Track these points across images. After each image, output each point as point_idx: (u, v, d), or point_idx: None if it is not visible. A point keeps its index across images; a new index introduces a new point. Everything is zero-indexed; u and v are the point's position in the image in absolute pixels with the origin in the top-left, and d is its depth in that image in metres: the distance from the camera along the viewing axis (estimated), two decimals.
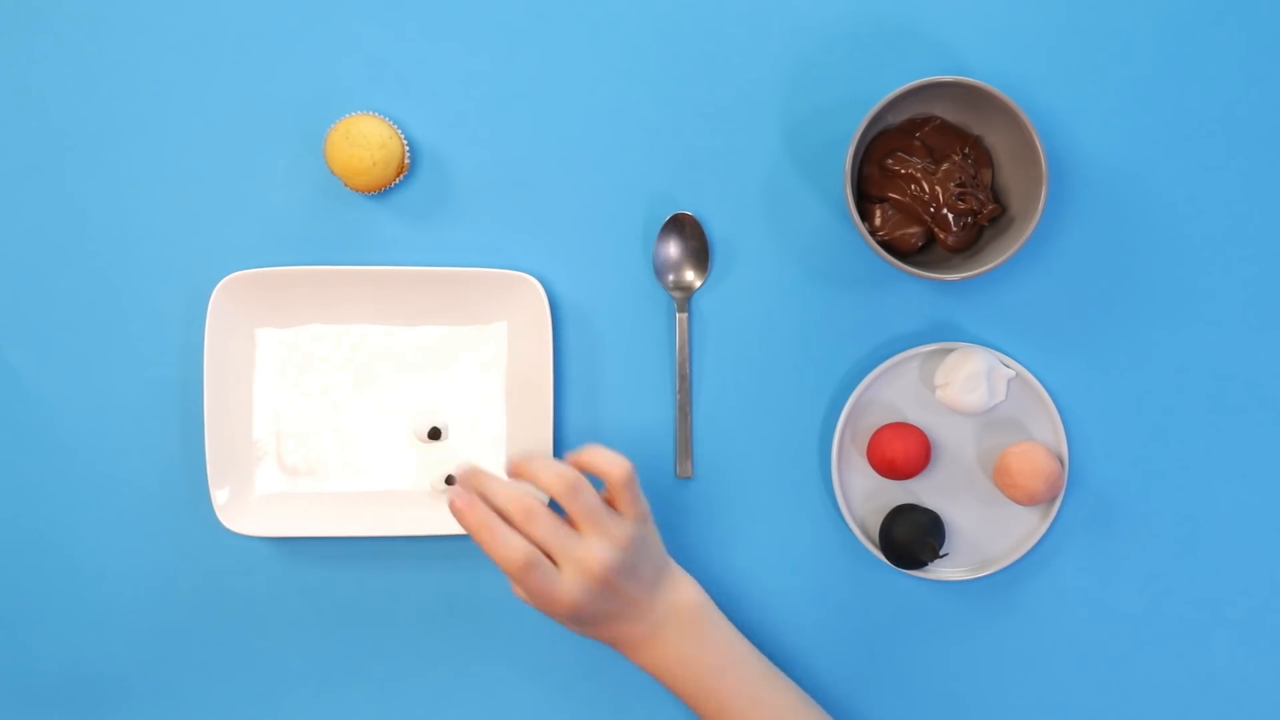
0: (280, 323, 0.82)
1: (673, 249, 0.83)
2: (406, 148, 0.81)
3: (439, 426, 0.82)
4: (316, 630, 0.83)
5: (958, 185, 0.79)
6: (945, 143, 0.81)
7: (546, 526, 0.71)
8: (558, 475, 0.72)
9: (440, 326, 0.83)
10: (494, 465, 0.83)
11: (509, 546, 0.70)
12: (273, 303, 0.81)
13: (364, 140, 0.78)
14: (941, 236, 0.80)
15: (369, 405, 0.83)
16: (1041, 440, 0.82)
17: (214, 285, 0.80)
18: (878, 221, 0.80)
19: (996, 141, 0.81)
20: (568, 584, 0.71)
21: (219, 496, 0.80)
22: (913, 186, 0.80)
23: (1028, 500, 0.78)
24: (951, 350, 0.81)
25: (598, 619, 0.73)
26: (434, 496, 0.82)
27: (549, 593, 0.71)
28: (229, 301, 0.80)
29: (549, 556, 0.72)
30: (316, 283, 0.81)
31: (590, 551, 0.71)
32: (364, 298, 0.81)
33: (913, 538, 0.78)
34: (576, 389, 0.83)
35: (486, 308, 0.82)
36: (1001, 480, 0.79)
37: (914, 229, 0.80)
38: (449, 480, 0.82)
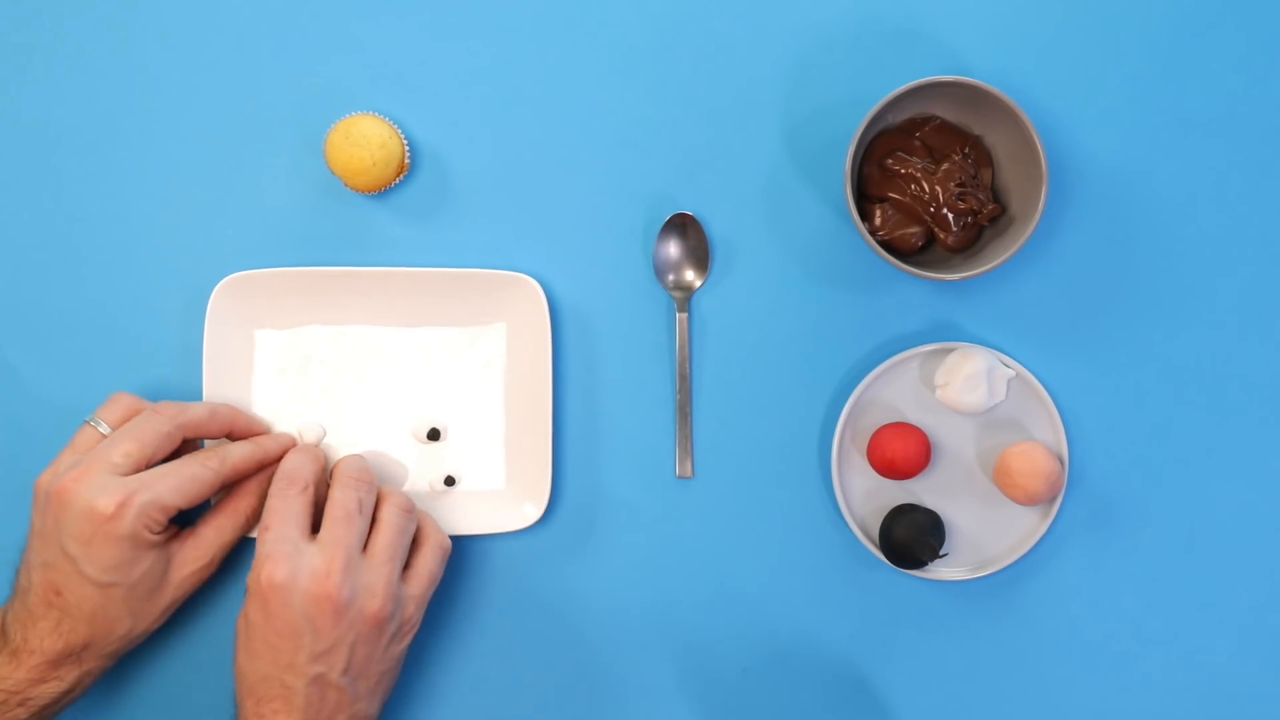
0: (279, 323, 0.82)
1: (673, 249, 0.83)
2: (406, 148, 0.81)
3: (438, 427, 0.82)
4: None
5: (958, 185, 0.79)
6: (945, 143, 0.81)
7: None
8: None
9: (439, 328, 0.82)
10: (493, 465, 0.82)
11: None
12: (272, 303, 0.81)
13: (364, 140, 0.78)
14: (941, 236, 0.80)
15: (367, 406, 0.83)
16: (1041, 440, 0.82)
17: (213, 285, 0.80)
18: (878, 221, 0.80)
19: (996, 141, 0.81)
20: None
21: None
22: (913, 186, 0.80)
23: (1028, 500, 0.78)
24: (951, 350, 0.81)
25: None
26: (432, 497, 0.82)
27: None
28: (228, 302, 0.80)
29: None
30: (316, 284, 0.80)
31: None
32: (363, 298, 0.81)
33: (913, 538, 0.78)
34: (576, 389, 0.83)
35: (486, 308, 0.82)
36: (1001, 480, 0.79)
37: (914, 229, 0.80)
38: (448, 481, 0.82)
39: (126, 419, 0.75)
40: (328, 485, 0.77)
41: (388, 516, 0.75)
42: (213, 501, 0.78)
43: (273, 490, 0.74)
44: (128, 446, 0.73)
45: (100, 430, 0.75)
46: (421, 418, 0.83)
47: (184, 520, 0.76)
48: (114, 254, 0.83)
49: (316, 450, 0.78)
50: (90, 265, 0.83)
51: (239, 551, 0.80)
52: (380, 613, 0.71)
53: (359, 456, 0.78)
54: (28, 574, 0.73)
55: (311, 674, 0.70)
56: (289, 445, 0.80)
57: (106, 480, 0.71)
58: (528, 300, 0.81)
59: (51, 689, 0.72)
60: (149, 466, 0.74)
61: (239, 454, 0.77)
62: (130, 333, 0.83)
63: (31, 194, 0.83)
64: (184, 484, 0.73)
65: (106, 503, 0.70)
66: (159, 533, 0.72)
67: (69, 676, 0.73)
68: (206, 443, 0.80)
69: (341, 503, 0.74)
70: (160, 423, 0.74)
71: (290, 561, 0.70)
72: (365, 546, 0.73)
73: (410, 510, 0.76)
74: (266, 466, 0.79)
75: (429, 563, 0.76)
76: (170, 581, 0.74)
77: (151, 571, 0.73)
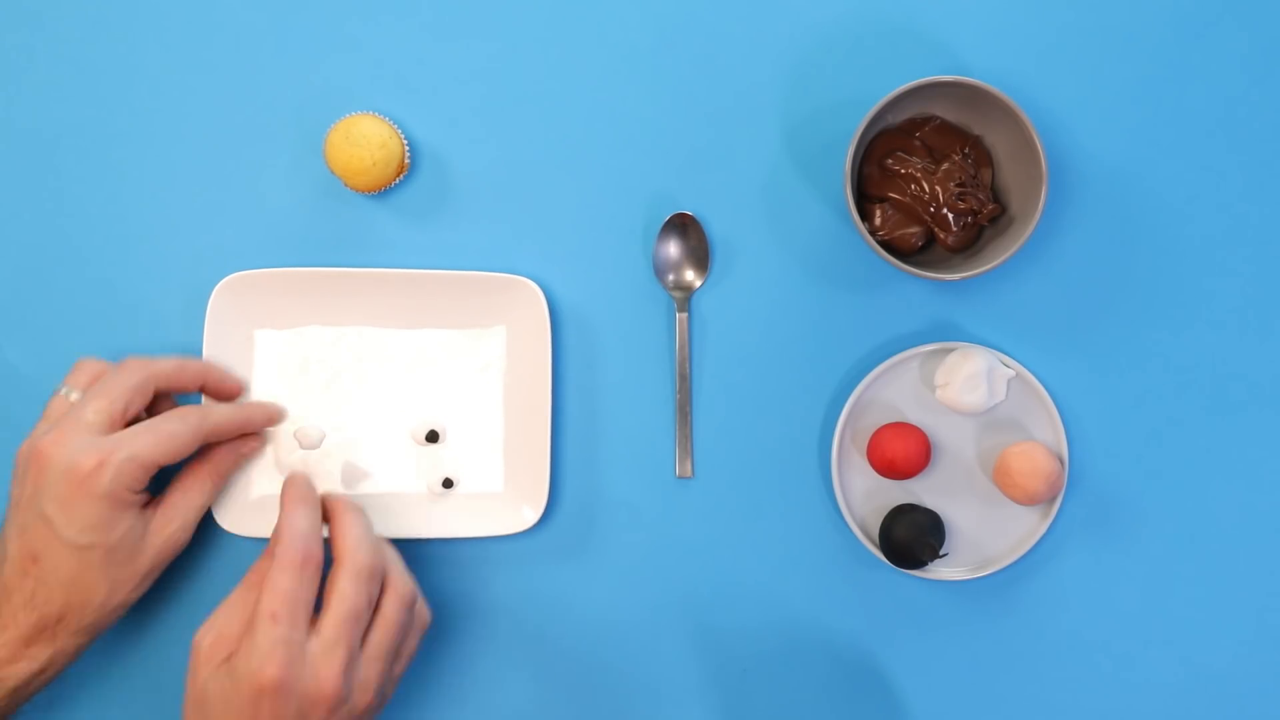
0: (279, 324, 0.82)
1: (673, 249, 0.83)
2: (406, 148, 0.81)
3: (437, 429, 0.82)
4: None
5: (958, 185, 0.79)
6: (945, 143, 0.81)
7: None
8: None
9: (439, 330, 0.82)
10: (492, 468, 0.82)
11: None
12: (272, 303, 0.81)
13: (364, 140, 0.78)
14: (941, 236, 0.80)
15: (366, 407, 0.82)
16: (1041, 440, 0.82)
17: (213, 285, 0.80)
18: (878, 221, 0.80)
19: (996, 141, 0.81)
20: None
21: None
22: (913, 186, 0.80)
23: (1028, 500, 0.78)
24: (951, 350, 0.81)
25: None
26: (431, 499, 0.82)
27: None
28: (228, 301, 0.80)
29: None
30: (316, 284, 0.80)
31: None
32: (363, 300, 0.81)
33: (913, 538, 0.78)
34: (576, 389, 0.83)
35: (486, 311, 0.82)
36: (1001, 480, 0.79)
37: (914, 229, 0.80)
38: (446, 483, 0.82)
39: (95, 381, 0.75)
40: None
41: (392, 613, 0.71)
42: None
43: (282, 563, 0.69)
44: (98, 403, 0.72)
45: (71, 397, 0.74)
46: (420, 419, 0.83)
47: (157, 489, 0.76)
48: (113, 254, 0.83)
49: (316, 502, 0.74)
50: (89, 265, 0.83)
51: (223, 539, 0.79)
52: (369, 707, 0.70)
53: (368, 532, 0.73)
54: (2, 547, 0.71)
55: None
56: (274, 414, 0.80)
57: (84, 439, 0.70)
58: (528, 304, 0.81)
59: (23, 669, 0.71)
60: (126, 422, 0.73)
61: (221, 413, 0.76)
62: (130, 332, 0.83)
63: (31, 194, 0.83)
64: (162, 440, 0.72)
65: (85, 460, 0.69)
66: (138, 491, 0.71)
67: (41, 655, 0.71)
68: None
69: (353, 599, 0.69)
70: (127, 375, 0.73)
71: (295, 663, 0.66)
72: (364, 639, 0.70)
73: (413, 605, 0.73)
74: (248, 430, 0.79)
75: (412, 645, 0.74)
76: (147, 547, 0.73)
77: (129, 534, 0.71)
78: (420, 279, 0.80)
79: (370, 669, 0.70)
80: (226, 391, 0.80)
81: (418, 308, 0.82)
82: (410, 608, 0.73)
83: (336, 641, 0.68)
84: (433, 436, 0.82)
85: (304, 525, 0.71)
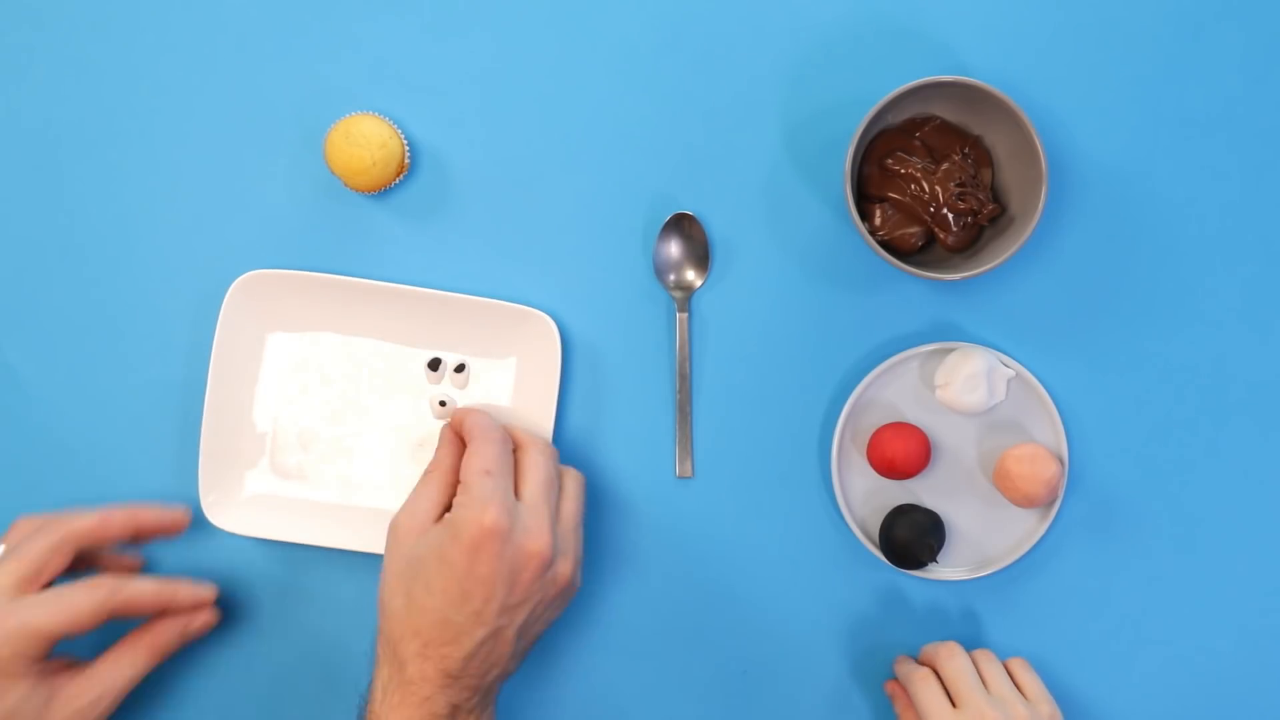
0: (291, 327, 0.82)
1: (673, 249, 0.83)
2: (406, 148, 0.81)
3: (440, 357, 0.82)
4: (312, 632, 0.83)
5: (958, 185, 0.79)
6: (945, 143, 0.81)
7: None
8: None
9: (450, 353, 0.82)
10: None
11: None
12: (285, 305, 0.81)
13: (364, 140, 0.78)
14: (941, 236, 0.80)
15: (370, 417, 0.82)
16: (1041, 441, 0.82)
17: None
18: (878, 221, 0.80)
19: (996, 141, 0.81)
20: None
21: (208, 494, 0.80)
22: (913, 186, 0.80)
23: (1027, 503, 0.78)
24: (951, 350, 0.81)
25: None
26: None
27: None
28: (244, 298, 0.80)
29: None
30: (332, 291, 0.80)
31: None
32: (378, 311, 0.81)
33: (913, 538, 0.78)
34: (577, 389, 0.83)
35: (498, 342, 0.81)
36: (1001, 483, 0.79)
37: (914, 229, 0.80)
38: (442, 404, 0.82)
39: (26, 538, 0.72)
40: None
41: (573, 489, 0.75)
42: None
43: (485, 437, 0.73)
44: (10, 565, 0.69)
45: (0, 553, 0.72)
46: (424, 431, 0.82)
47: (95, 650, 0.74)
48: (113, 254, 0.83)
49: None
50: (90, 266, 0.83)
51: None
52: (570, 579, 0.72)
53: (541, 437, 0.78)
54: None
55: (495, 625, 0.69)
56: (202, 597, 0.75)
57: None
58: (542, 337, 0.80)
59: None
60: (42, 584, 0.70)
61: (136, 588, 0.72)
62: (130, 333, 0.83)
63: (31, 194, 0.83)
64: (61, 611, 0.68)
65: None
66: (36, 660, 0.68)
67: None
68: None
69: (545, 468, 0.73)
70: (44, 537, 0.71)
71: (511, 513, 0.69)
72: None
73: (584, 487, 0.77)
74: (172, 610, 0.75)
75: (580, 533, 0.76)
76: (50, 716, 0.69)
77: (25, 704, 0.68)
78: (438, 300, 0.80)
79: (567, 540, 0.73)
80: (164, 529, 0.76)
81: (431, 327, 0.81)
82: (583, 487, 0.76)
83: (540, 502, 0.71)
84: (435, 364, 0.82)
85: (488, 419, 0.75)
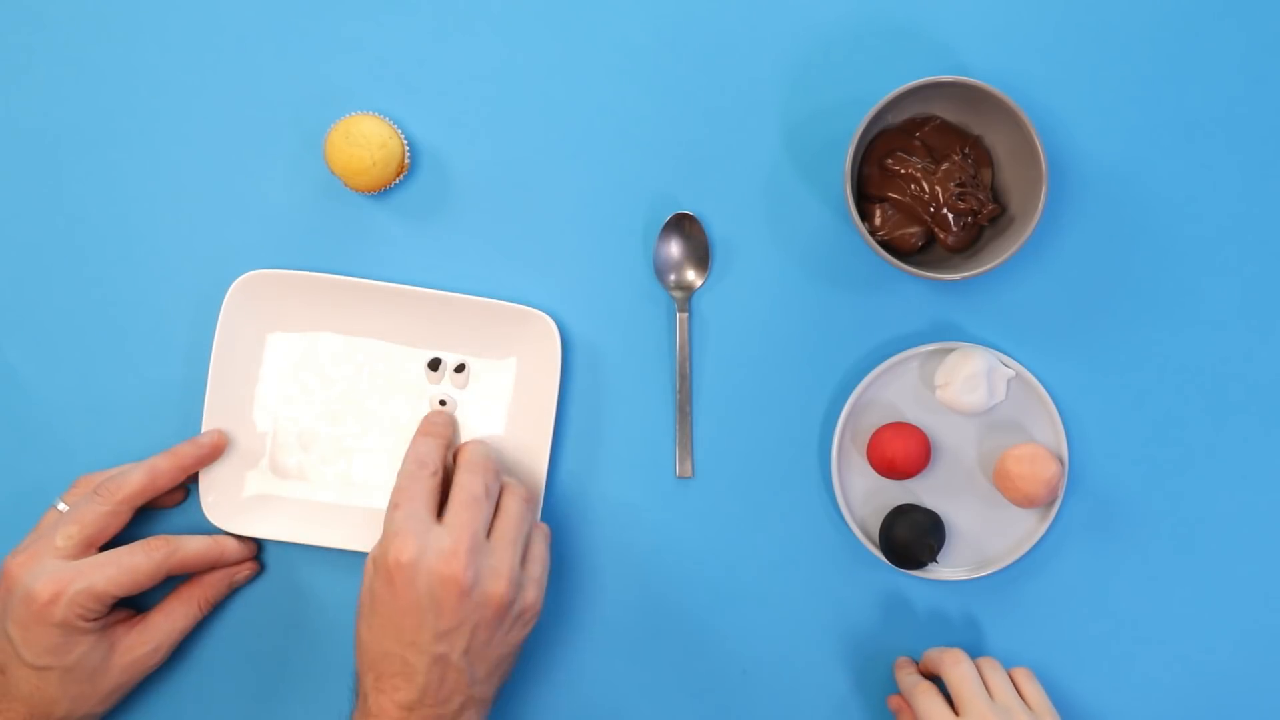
0: (291, 327, 0.82)
1: (673, 249, 0.83)
2: (406, 148, 0.81)
3: (440, 357, 0.82)
4: (311, 632, 0.83)
5: (958, 185, 0.79)
6: (945, 143, 0.81)
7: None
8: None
9: (450, 353, 0.82)
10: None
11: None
12: (285, 305, 0.81)
13: (364, 140, 0.78)
14: (941, 236, 0.80)
15: (369, 417, 0.82)
16: (1041, 441, 0.82)
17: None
18: (878, 221, 0.80)
19: (996, 141, 0.81)
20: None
21: (208, 494, 0.80)
22: (913, 186, 0.80)
23: (1027, 504, 0.78)
24: (951, 350, 0.81)
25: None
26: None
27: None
28: (244, 298, 0.80)
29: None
30: (332, 292, 0.80)
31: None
32: (378, 312, 0.81)
33: (913, 538, 0.78)
34: (577, 389, 0.83)
35: (498, 342, 0.81)
36: (1001, 483, 0.79)
37: (914, 229, 0.80)
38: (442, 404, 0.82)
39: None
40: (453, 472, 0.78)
41: (510, 505, 0.75)
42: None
43: (403, 471, 0.74)
44: (69, 529, 0.74)
45: (61, 510, 0.77)
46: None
47: (145, 602, 0.78)
48: (113, 254, 0.83)
49: (444, 435, 0.78)
50: (90, 266, 0.83)
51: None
52: (503, 596, 0.71)
53: (483, 443, 0.78)
54: None
55: (434, 653, 0.70)
56: (249, 549, 0.81)
57: (47, 566, 0.72)
58: (541, 338, 0.80)
59: None
60: (98, 547, 0.75)
61: (191, 548, 0.77)
62: (130, 333, 0.83)
63: (31, 194, 0.83)
64: (122, 573, 0.73)
65: (42, 590, 0.71)
66: (94, 619, 0.73)
67: None
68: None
69: (469, 487, 0.74)
70: (99, 503, 0.75)
71: (418, 540, 0.70)
72: (489, 532, 0.73)
73: (530, 501, 0.77)
74: (221, 566, 0.79)
75: (542, 548, 0.76)
76: (113, 666, 0.75)
77: (88, 656, 0.73)
78: (438, 300, 0.80)
79: (497, 558, 0.72)
80: (205, 460, 0.79)
81: (431, 327, 0.81)
82: (528, 502, 0.76)
83: (458, 525, 0.71)
84: (434, 364, 0.82)
85: (423, 446, 0.76)
